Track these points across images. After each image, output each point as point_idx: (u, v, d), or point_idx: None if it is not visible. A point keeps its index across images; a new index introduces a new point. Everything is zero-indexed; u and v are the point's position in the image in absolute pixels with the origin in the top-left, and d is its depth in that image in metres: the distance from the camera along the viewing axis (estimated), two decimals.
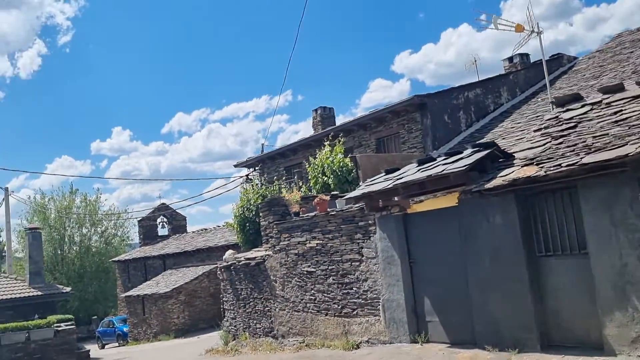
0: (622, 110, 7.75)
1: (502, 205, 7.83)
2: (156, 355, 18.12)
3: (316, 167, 15.00)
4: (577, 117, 8.42)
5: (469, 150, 8.58)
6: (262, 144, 23.11)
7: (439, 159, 9.02)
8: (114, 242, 45.23)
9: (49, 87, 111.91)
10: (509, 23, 11.28)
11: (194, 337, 22.73)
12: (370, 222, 10.15)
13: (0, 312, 20.22)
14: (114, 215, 45.15)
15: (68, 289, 23.65)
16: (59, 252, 41.84)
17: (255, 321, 13.61)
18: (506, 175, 7.62)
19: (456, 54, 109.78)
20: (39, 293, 21.51)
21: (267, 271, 13.04)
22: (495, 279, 7.90)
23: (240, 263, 14.07)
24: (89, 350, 20.44)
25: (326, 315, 11.25)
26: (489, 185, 7.70)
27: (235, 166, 24.07)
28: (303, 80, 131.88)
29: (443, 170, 8.14)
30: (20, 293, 21.17)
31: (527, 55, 19.76)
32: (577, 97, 9.27)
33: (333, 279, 11.04)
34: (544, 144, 8.11)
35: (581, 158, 6.86)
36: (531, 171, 7.29)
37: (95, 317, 39.04)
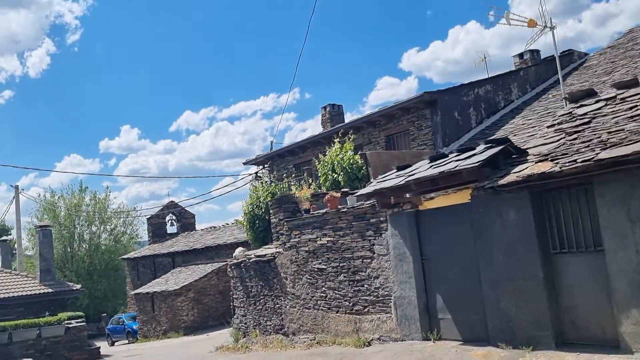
0: (637, 106, 7.66)
1: (515, 201, 7.76)
2: (167, 352, 18.15)
3: (326, 164, 14.96)
4: (591, 112, 8.33)
5: (482, 147, 8.51)
6: (271, 142, 23.12)
7: (451, 155, 8.96)
8: (123, 239, 45.44)
9: (58, 86, 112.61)
10: (521, 18, 11.19)
11: (203, 335, 22.77)
12: (381, 219, 10.11)
13: (11, 309, 20.31)
14: (123, 213, 45.36)
15: (78, 286, 23.72)
16: (69, 250, 42.05)
17: (265, 318, 13.60)
18: (520, 171, 7.55)
19: (464, 51, 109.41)
20: (50, 290, 21.59)
21: (278, 268, 13.03)
22: (509, 276, 7.84)
23: (251, 260, 14.06)
24: (99, 347, 20.47)
25: (337, 312, 11.23)
26: (502, 182, 7.63)
27: (245, 164, 24.08)
28: (311, 78, 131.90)
29: (456, 167, 8.08)
30: (31, 290, 21.26)
31: (537, 51, 19.62)
32: (591, 93, 9.17)
33: (344, 276, 11.00)
34: (558, 140, 8.03)
35: (597, 154, 6.78)
36: (546, 167, 7.22)
37: (105, 314, 39.24)
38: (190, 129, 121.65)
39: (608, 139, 7.11)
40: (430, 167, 8.88)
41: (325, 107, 23.20)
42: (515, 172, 7.60)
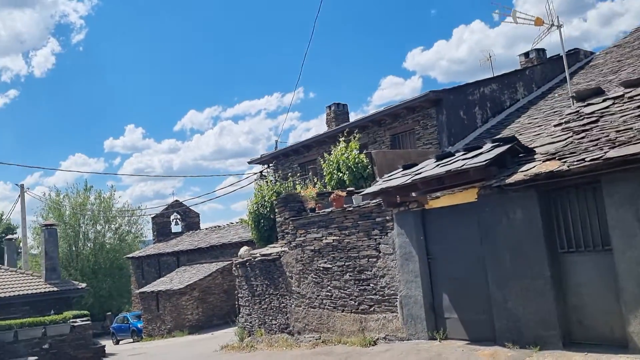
0: None
1: (522, 200, 7.73)
2: (172, 351, 18.18)
3: (331, 163, 14.94)
4: (599, 111, 8.29)
5: (489, 145, 8.48)
6: (276, 141, 23.14)
7: (457, 154, 8.92)
8: (127, 238, 45.57)
9: (62, 86, 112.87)
10: (528, 16, 11.14)
11: (208, 334, 22.80)
12: (387, 218, 10.08)
13: (16, 307, 20.36)
14: (128, 212, 45.45)
15: (83, 285, 23.75)
16: (74, 249, 42.17)
17: (270, 317, 13.60)
18: (527, 170, 7.52)
19: (468, 51, 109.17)
20: (55, 289, 21.63)
21: (283, 267, 13.03)
22: (516, 276, 7.81)
23: (256, 259, 14.06)
24: (104, 346, 20.47)
25: (342, 311, 11.21)
26: (509, 180, 7.60)
27: (249, 163, 24.10)
28: (315, 77, 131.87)
29: (463, 165, 8.05)
30: (36, 289, 21.30)
31: (543, 50, 19.55)
32: (598, 92, 9.13)
33: (350, 275, 10.99)
34: (566, 139, 7.99)
35: (605, 152, 6.75)
36: (553, 166, 7.19)
37: (110, 313, 39.33)
38: (194, 128, 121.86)
39: (616, 137, 7.07)
40: (437, 165, 8.85)
41: (330, 107, 23.18)
42: (522, 171, 7.56)
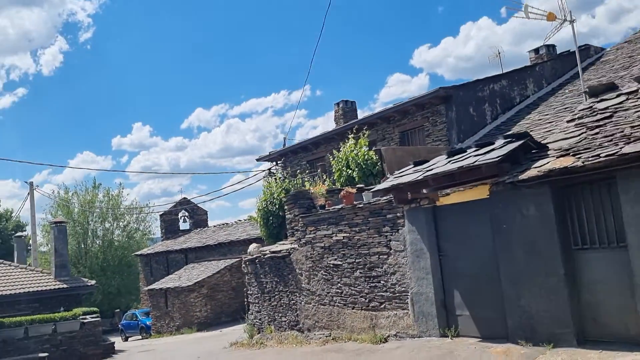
0: None
1: (536, 197, 7.67)
2: (181, 348, 18.21)
3: (340, 160, 14.89)
4: (613, 107, 8.21)
5: (501, 141, 8.42)
6: (284, 138, 23.12)
7: (469, 150, 8.87)
8: (136, 236, 45.72)
9: (70, 84, 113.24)
10: (540, 11, 11.06)
11: (216, 331, 22.83)
12: (398, 214, 10.04)
13: (27, 304, 20.46)
14: (136, 209, 45.58)
15: (93, 282, 23.85)
16: (83, 246, 42.37)
17: (280, 314, 13.59)
18: (541, 166, 7.45)
19: (476, 48, 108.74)
20: (65, 286, 21.71)
21: (293, 264, 13.01)
22: (529, 273, 7.75)
23: (266, 256, 14.05)
24: (113, 343, 20.58)
25: (353, 308, 11.18)
26: (523, 177, 7.54)
27: (258, 160, 24.10)
28: (321, 75, 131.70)
29: (475, 162, 7.99)
30: (46, 286, 21.38)
31: (553, 46, 19.43)
32: (611, 87, 9.03)
33: (360, 272, 10.96)
34: (579, 135, 7.92)
35: (620, 148, 6.68)
36: (568, 162, 7.12)
37: (118, 310, 39.49)
38: (201, 126, 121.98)
39: (631, 133, 7.00)
40: (449, 162, 8.80)
41: (338, 104, 23.13)
42: (536, 167, 7.50)
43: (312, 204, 12.94)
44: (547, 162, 7.47)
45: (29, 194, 28.62)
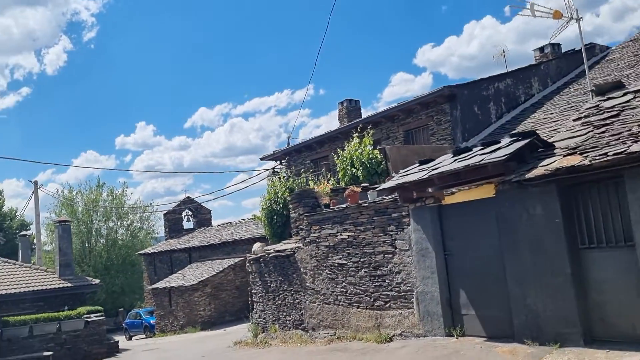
0: None
1: (542, 195, 7.63)
2: (185, 347, 18.21)
3: (344, 159, 14.87)
4: (619, 105, 8.17)
5: (507, 140, 8.38)
6: (288, 137, 23.08)
7: (475, 149, 8.83)
8: (139, 235, 45.75)
9: (74, 83, 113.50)
10: (546, 9, 10.99)
11: (220, 330, 22.84)
12: (403, 213, 10.01)
13: (31, 303, 20.48)
14: (140, 208, 45.62)
15: (97, 281, 23.86)
16: (86, 245, 42.41)
17: (284, 313, 13.57)
18: (548, 164, 7.42)
19: (479, 47, 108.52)
20: (69, 285, 21.73)
21: (297, 263, 12.99)
22: (536, 272, 7.71)
23: (270, 255, 14.03)
24: (118, 341, 20.61)
25: (358, 307, 11.16)
26: (529, 175, 7.50)
27: (262, 159, 24.07)
28: (325, 74, 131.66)
29: (481, 160, 7.96)
30: (50, 285, 21.40)
31: (558, 45, 19.34)
32: (618, 85, 9.00)
33: (365, 271, 10.93)
34: (586, 133, 7.88)
35: (628, 147, 6.64)
36: (575, 160, 7.09)
37: (122, 309, 39.53)
38: (205, 125, 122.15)
39: (639, 131, 6.96)
40: (454, 161, 8.76)
41: (342, 103, 23.10)
42: (542, 166, 7.46)
43: (317, 202, 12.92)
44: (554, 161, 7.43)
45: (33, 193, 28.65)
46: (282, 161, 22.88)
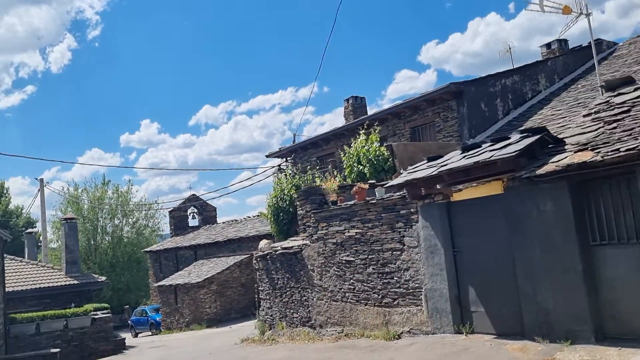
0: None
1: (553, 192, 7.58)
2: (192, 344, 18.22)
3: (351, 156, 14.83)
4: (630, 101, 8.11)
5: (517, 136, 8.33)
6: (294, 135, 23.08)
7: (484, 145, 8.79)
8: (145, 232, 45.78)
9: (79, 81, 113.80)
10: (555, 4, 10.91)
11: (226, 327, 22.84)
12: (412, 210, 9.97)
13: (38, 300, 20.58)
14: (145, 206, 45.68)
15: (103, 278, 23.94)
16: (92, 243, 42.47)
17: (292, 311, 13.56)
18: (559, 160, 7.37)
19: (484, 44, 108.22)
20: (76, 282, 21.81)
21: (305, 260, 12.97)
22: (546, 269, 7.67)
23: (277, 252, 14.02)
24: (124, 339, 20.67)
25: (366, 305, 11.13)
26: (540, 171, 7.46)
27: (267, 156, 24.04)
28: (329, 72, 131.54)
29: (491, 157, 7.91)
30: (57, 282, 21.49)
31: (565, 41, 19.26)
32: (628, 81, 8.94)
33: (373, 268, 10.90)
34: (597, 129, 7.83)
35: None
36: (586, 156, 7.04)
37: (128, 306, 39.59)
38: (209, 123, 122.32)
39: None
40: (463, 157, 8.72)
41: (348, 100, 23.04)
42: (554, 162, 7.42)
43: (324, 199, 12.89)
44: (565, 157, 7.38)
45: (39, 190, 28.71)
46: (288, 158, 22.86)
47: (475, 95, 16.07)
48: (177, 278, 28.65)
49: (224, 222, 35.29)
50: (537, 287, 7.80)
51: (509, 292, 8.27)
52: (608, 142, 7.13)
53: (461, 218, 9.21)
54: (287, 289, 13.73)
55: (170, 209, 37.63)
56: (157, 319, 28.78)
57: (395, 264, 10.37)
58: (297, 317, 13.34)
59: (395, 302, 10.39)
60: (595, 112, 8.46)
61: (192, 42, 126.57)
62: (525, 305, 7.97)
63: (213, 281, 25.90)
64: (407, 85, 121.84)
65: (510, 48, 19.76)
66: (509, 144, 8.13)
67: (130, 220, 45.12)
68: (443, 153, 10.02)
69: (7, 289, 18.65)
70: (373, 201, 10.89)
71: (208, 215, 37.38)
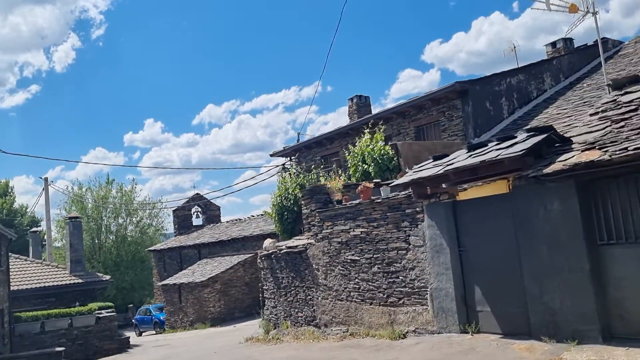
0: None
1: (560, 191, 7.54)
2: (196, 343, 18.24)
3: (356, 155, 14.80)
4: (638, 99, 8.06)
5: (524, 135, 8.29)
6: (298, 134, 23.15)
7: (490, 144, 8.75)
8: (149, 231, 45.82)
9: (83, 81, 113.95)
10: (562, 3, 10.86)
11: (230, 326, 22.86)
12: (417, 209, 9.94)
13: (43, 299, 20.64)
14: (149, 205, 45.72)
15: (108, 277, 24.00)
16: (96, 242, 42.56)
17: (296, 310, 13.55)
18: (566, 160, 7.33)
19: (487, 43, 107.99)
20: (80, 281, 21.86)
21: (309, 259, 12.95)
22: (553, 269, 7.63)
23: (282, 251, 14.01)
24: (129, 337, 20.72)
25: (371, 304, 11.11)
26: (547, 170, 7.42)
27: (271, 155, 24.03)
28: (332, 71, 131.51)
29: (498, 156, 7.88)
30: (62, 281, 21.55)
31: (570, 40, 19.19)
32: (635, 80, 8.88)
33: (378, 268, 10.88)
34: (604, 128, 7.79)
35: None
36: (594, 155, 7.00)
37: (131, 305, 39.67)
38: (212, 122, 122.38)
39: None
40: (469, 156, 8.68)
41: (352, 99, 22.99)
42: (561, 161, 7.37)
43: (329, 199, 12.87)
44: (573, 156, 7.34)
45: (43, 189, 28.76)
46: (292, 157, 22.83)
47: (480, 94, 16.02)
48: (181, 277, 28.68)
49: (227, 221, 35.30)
50: (543, 287, 7.76)
51: (515, 292, 8.24)
52: (616, 141, 7.09)
53: (467, 217, 9.18)
54: (292, 288, 13.72)
55: (174, 208, 37.67)
56: (161, 318, 28.83)
57: (400, 263, 10.34)
58: (301, 316, 13.33)
59: (401, 302, 10.37)
60: (602, 111, 8.41)
61: (195, 41, 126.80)
62: (532, 305, 7.93)
63: (217, 280, 25.92)
64: (410, 84, 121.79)
65: (514, 47, 19.72)
66: (516, 143, 8.09)
67: (134, 219, 45.19)
68: (448, 152, 9.99)
69: (12, 288, 18.75)
70: (378, 200, 10.87)
71: (212, 214, 37.39)
